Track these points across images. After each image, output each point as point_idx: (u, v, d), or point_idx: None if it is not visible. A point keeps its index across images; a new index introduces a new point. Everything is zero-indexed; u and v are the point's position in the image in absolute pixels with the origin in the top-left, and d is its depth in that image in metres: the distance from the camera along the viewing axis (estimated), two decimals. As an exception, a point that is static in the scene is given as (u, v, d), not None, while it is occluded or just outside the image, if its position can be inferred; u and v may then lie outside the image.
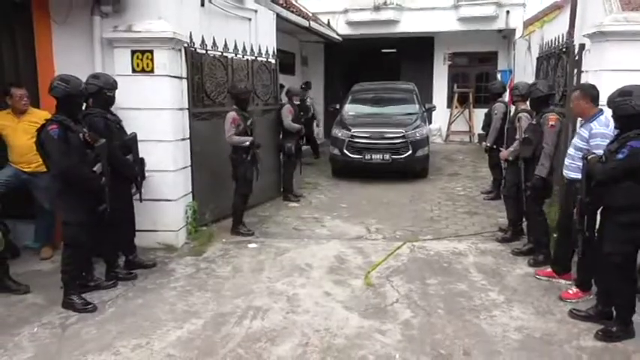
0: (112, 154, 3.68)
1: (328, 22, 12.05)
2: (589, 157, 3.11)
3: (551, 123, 4.22)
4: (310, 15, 11.24)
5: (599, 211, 3.20)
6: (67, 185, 3.40)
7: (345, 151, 7.90)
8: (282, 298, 3.78)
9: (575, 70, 5.06)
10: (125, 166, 3.85)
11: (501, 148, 5.31)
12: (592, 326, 3.23)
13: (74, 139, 3.36)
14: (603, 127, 3.37)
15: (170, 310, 3.59)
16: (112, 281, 3.96)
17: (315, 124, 10.65)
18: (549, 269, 4.08)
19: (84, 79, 3.73)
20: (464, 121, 13.05)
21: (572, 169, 3.56)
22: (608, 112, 3.24)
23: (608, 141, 3.15)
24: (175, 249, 4.81)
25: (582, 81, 4.93)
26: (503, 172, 5.29)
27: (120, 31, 4.38)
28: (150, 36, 4.37)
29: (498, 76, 12.26)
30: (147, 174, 4.45)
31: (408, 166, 7.92)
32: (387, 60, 13.88)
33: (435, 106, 9.90)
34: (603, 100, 3.28)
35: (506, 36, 12.58)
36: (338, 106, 9.47)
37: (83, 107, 3.72)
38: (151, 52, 4.42)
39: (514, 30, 11.79)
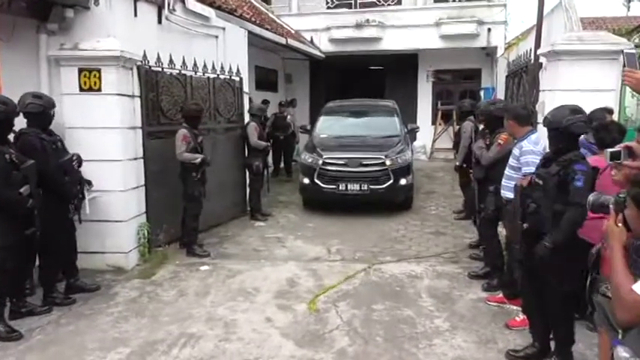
0: (45, 175, 3.60)
1: (311, 40, 12.10)
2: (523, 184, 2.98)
3: (499, 141, 4.14)
4: (292, 32, 11.31)
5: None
6: (-9, 208, 3.30)
7: (317, 180, 6.76)
8: (220, 324, 3.65)
9: (534, 89, 5.01)
10: (60, 186, 3.74)
11: (471, 170, 5.24)
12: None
13: (-1, 160, 3.27)
14: (532, 144, 3.38)
15: (100, 338, 3.45)
16: (46, 307, 3.83)
17: (295, 142, 10.60)
18: (500, 295, 3.95)
19: (22, 100, 3.68)
20: (448, 138, 12.98)
21: (508, 189, 3.48)
22: (541, 131, 3.16)
23: (537, 157, 3.07)
24: (125, 271, 4.68)
25: (540, 100, 4.88)
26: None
27: (66, 49, 4.34)
28: (97, 54, 4.33)
29: (481, 93, 12.25)
30: (92, 194, 4.36)
31: (390, 197, 6.87)
32: (372, 77, 13.89)
33: (418, 127, 8.88)
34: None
35: (490, 54, 12.61)
36: (309, 127, 8.47)
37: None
38: (99, 70, 4.37)
39: (496, 48, 11.82)
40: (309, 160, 6.98)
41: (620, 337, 1.64)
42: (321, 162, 6.80)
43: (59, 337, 3.45)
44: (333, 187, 6.67)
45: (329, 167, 6.75)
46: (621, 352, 1.53)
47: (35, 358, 3.17)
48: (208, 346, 3.31)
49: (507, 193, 3.52)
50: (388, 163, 6.74)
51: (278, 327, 3.59)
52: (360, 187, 6.64)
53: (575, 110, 2.80)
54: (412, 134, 8.51)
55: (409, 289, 4.31)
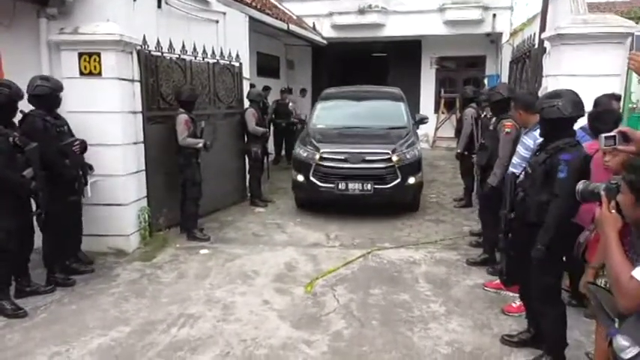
0: (47, 158, 3.63)
1: (313, 26, 12.00)
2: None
3: (506, 130, 4.08)
4: (294, 18, 11.22)
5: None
6: (-6, 190, 3.35)
7: (312, 178, 5.91)
8: (218, 305, 3.71)
9: (537, 75, 4.97)
10: (58, 169, 3.77)
11: (473, 155, 5.23)
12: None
13: (2, 142, 3.32)
14: None
15: (101, 316, 3.52)
16: (50, 286, 3.90)
17: (297, 129, 10.57)
18: (497, 281, 3.97)
19: (31, 82, 3.72)
20: (450, 126, 12.92)
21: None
22: None
23: None
24: (126, 254, 4.75)
25: (542, 86, 4.84)
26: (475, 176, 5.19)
27: (66, 34, 4.34)
28: (96, 39, 4.33)
29: (485, 81, 12.14)
30: (93, 178, 4.41)
31: (396, 198, 6.05)
32: (375, 64, 13.79)
33: (427, 117, 7.57)
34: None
35: (494, 40, 12.47)
36: (304, 117, 7.64)
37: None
38: (99, 54, 4.38)
39: (501, 34, 11.67)
40: (304, 155, 6.13)
41: (617, 325, 1.63)
42: (317, 157, 5.94)
43: (62, 316, 3.52)
44: (331, 185, 5.82)
45: (326, 163, 5.90)
46: (621, 340, 1.52)
47: (39, 335, 3.24)
48: (206, 327, 3.37)
49: None
50: (395, 158, 5.87)
51: (275, 309, 3.65)
52: (363, 186, 5.79)
53: (555, 95, 2.72)
54: (419, 125, 7.46)
55: (407, 274, 4.35)
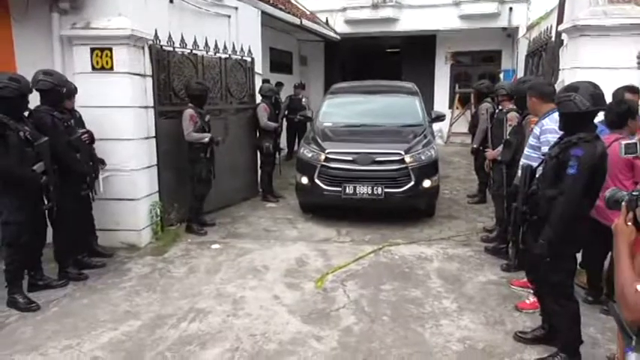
0: (57, 152, 3.65)
1: (326, 21, 11.95)
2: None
3: (532, 126, 3.98)
4: (307, 13, 11.17)
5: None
6: (5, 185, 3.38)
7: (317, 180, 5.45)
8: (229, 300, 3.70)
9: (553, 68, 4.84)
10: (70, 163, 3.79)
11: (487, 150, 5.13)
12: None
13: (12, 137, 3.33)
14: (554, 123, 3.10)
15: (112, 310, 3.54)
16: (62, 281, 3.94)
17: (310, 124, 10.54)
18: (525, 279, 3.85)
19: (34, 77, 3.73)
20: (465, 122, 12.74)
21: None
22: None
23: (557, 137, 2.94)
24: (138, 248, 4.78)
25: (559, 79, 4.71)
26: (490, 172, 5.10)
27: (78, 29, 4.37)
28: (108, 33, 4.35)
29: (501, 76, 11.93)
30: (105, 173, 4.45)
31: (409, 204, 5.55)
32: (388, 60, 13.67)
33: (444, 115, 7.10)
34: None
35: (511, 34, 12.24)
36: (310, 114, 6.98)
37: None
38: (110, 49, 4.39)
39: (517, 28, 11.46)
40: (309, 155, 5.66)
41: (633, 343, 1.59)
42: (322, 157, 5.48)
43: (74, 310, 3.55)
44: (338, 189, 5.34)
45: (332, 164, 5.43)
46: (632, 359, 1.51)
47: (51, 328, 3.27)
48: (216, 321, 3.36)
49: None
50: (409, 159, 5.36)
51: (285, 304, 3.63)
52: (372, 190, 5.27)
53: (572, 88, 2.62)
54: (435, 123, 6.99)
55: (418, 270, 4.28)
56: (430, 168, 5.54)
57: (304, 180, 5.62)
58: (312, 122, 6.41)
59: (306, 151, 5.74)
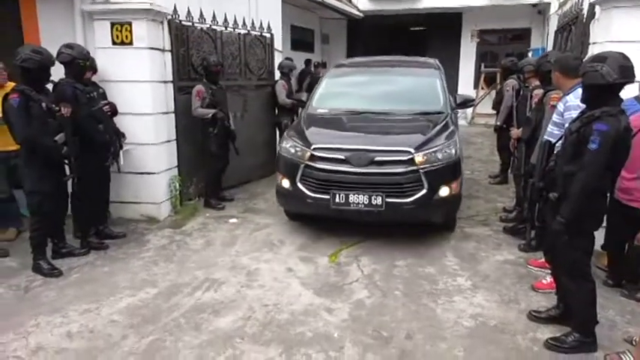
0: (79, 124, 3.73)
1: (349, -2, 11.73)
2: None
3: (552, 103, 3.81)
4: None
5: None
6: (30, 154, 3.49)
7: (300, 184, 4.20)
8: (243, 272, 3.76)
9: (582, 42, 4.62)
10: (92, 134, 3.86)
11: (511, 128, 4.98)
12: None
13: (35, 108, 3.42)
14: (578, 99, 3.00)
15: (130, 278, 3.65)
16: (84, 249, 4.07)
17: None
18: (542, 259, 3.77)
19: (58, 51, 3.80)
20: (490, 102, 12.40)
21: None
22: None
23: None
24: (157, 221, 4.89)
25: (589, 53, 4.50)
26: (515, 152, 4.96)
27: (98, 3, 4.41)
28: (127, 7, 4.38)
29: (529, 54, 11.51)
30: (126, 147, 4.53)
31: (419, 218, 4.24)
32: (413, 39, 13.37)
33: (472, 99, 5.76)
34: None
35: (541, 11, 11.76)
36: (305, 97, 5.87)
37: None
38: (130, 24, 4.43)
39: (549, 4, 10.96)
40: (291, 152, 4.34)
41: None
42: (307, 155, 4.19)
43: (94, 277, 3.68)
44: (325, 197, 4.08)
45: (319, 164, 4.14)
46: None
47: (73, 293, 3.40)
48: (230, 291, 3.43)
49: None
50: (420, 159, 4.04)
51: (299, 277, 3.66)
52: (370, 199, 3.99)
53: (600, 58, 2.49)
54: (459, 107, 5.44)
55: (434, 248, 4.25)
56: (449, 170, 4.15)
57: (285, 183, 4.35)
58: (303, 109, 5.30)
59: (289, 146, 4.40)
